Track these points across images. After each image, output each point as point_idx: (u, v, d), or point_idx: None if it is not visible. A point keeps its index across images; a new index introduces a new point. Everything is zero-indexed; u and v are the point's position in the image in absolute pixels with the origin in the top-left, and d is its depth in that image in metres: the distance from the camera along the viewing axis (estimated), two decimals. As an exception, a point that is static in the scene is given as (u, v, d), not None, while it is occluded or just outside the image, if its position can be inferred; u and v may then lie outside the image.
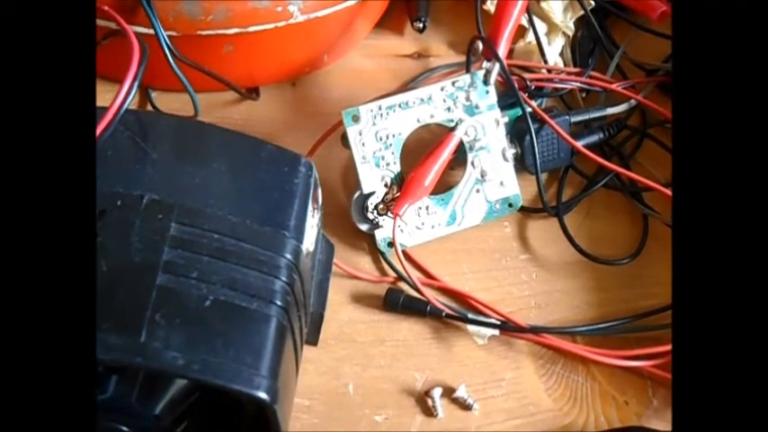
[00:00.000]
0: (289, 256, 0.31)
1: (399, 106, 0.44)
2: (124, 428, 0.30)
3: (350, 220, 0.43)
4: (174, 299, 0.28)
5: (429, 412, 0.39)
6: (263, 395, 0.28)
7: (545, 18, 0.52)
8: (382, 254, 0.44)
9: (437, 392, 0.39)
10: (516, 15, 0.47)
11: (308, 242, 0.33)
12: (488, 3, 0.52)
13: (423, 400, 0.39)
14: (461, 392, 0.39)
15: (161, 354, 0.27)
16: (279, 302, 0.29)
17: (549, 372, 0.41)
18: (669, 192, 0.44)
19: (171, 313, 0.28)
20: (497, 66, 0.45)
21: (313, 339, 0.36)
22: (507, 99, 0.46)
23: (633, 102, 0.50)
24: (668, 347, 0.40)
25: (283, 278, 0.30)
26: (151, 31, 0.43)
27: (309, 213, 0.33)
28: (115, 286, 0.28)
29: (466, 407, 0.39)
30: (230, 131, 0.35)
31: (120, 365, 0.28)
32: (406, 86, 0.51)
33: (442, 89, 0.45)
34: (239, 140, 0.34)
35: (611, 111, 0.49)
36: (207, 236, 0.30)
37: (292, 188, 0.33)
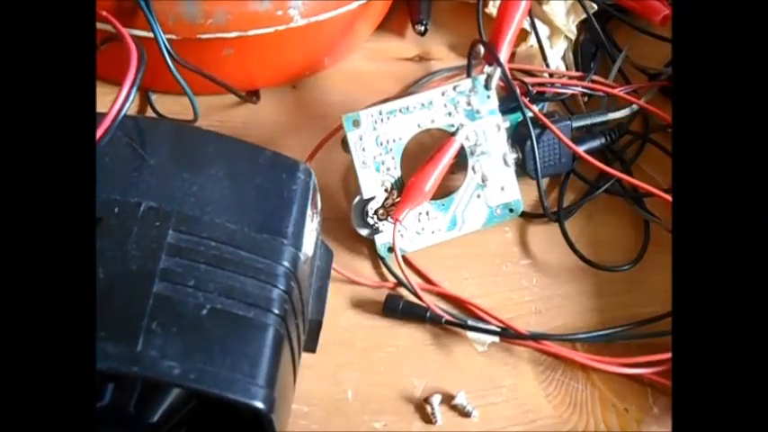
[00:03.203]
0: (286, 263, 0.30)
1: (400, 111, 0.44)
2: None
3: (350, 225, 0.43)
4: (170, 307, 0.28)
5: (428, 419, 0.39)
6: (259, 405, 0.27)
7: (547, 21, 0.52)
8: (382, 259, 0.44)
9: (436, 399, 0.39)
10: (518, 19, 0.46)
11: (307, 248, 0.33)
12: (490, 6, 0.52)
13: (422, 407, 0.39)
14: (461, 399, 0.39)
15: (157, 363, 0.27)
16: (276, 311, 0.29)
17: (549, 378, 0.41)
18: (670, 197, 0.44)
19: (167, 322, 0.28)
20: (498, 70, 0.45)
21: (311, 346, 0.36)
22: (508, 103, 0.46)
23: (635, 106, 0.49)
24: (669, 355, 0.39)
25: (281, 286, 0.30)
26: (150, 35, 0.42)
27: (308, 219, 0.33)
28: (112, 294, 0.28)
29: (465, 414, 0.39)
30: (228, 137, 0.34)
31: (116, 374, 0.28)
32: (407, 89, 0.50)
33: (443, 94, 0.44)
34: (237, 146, 0.34)
35: (612, 115, 0.49)
36: (204, 243, 0.30)
37: (290, 195, 0.33)
